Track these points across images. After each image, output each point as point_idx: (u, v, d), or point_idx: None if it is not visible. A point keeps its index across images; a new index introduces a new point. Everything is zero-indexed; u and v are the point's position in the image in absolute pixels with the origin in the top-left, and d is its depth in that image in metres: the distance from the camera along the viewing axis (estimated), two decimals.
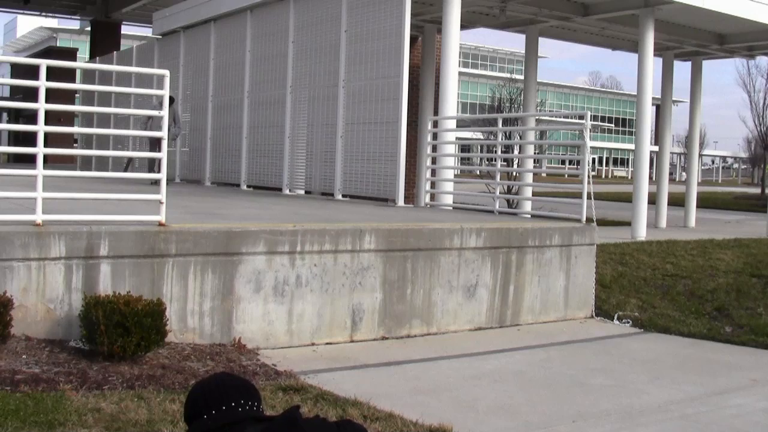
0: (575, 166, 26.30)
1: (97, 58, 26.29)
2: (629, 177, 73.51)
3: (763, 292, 9.88)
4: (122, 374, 5.44)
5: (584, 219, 9.32)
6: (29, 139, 7.65)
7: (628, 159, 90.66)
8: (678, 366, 7.23)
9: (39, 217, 6.18)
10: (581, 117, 10.09)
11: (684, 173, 38.53)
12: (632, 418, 5.52)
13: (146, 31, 32.88)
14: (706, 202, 28.28)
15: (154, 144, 13.36)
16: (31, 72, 12.57)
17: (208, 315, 6.72)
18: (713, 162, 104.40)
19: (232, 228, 6.89)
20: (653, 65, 15.87)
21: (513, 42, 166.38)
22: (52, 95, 6.30)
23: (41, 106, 6.28)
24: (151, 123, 13.85)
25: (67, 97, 28.11)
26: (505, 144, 15.87)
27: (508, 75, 25.43)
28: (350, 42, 12.37)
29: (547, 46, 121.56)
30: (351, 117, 12.34)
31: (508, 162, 17.94)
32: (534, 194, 17.30)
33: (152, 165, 14.17)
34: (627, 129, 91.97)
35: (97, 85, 19.47)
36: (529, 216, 10.94)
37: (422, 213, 10.64)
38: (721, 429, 5.38)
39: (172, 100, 14.01)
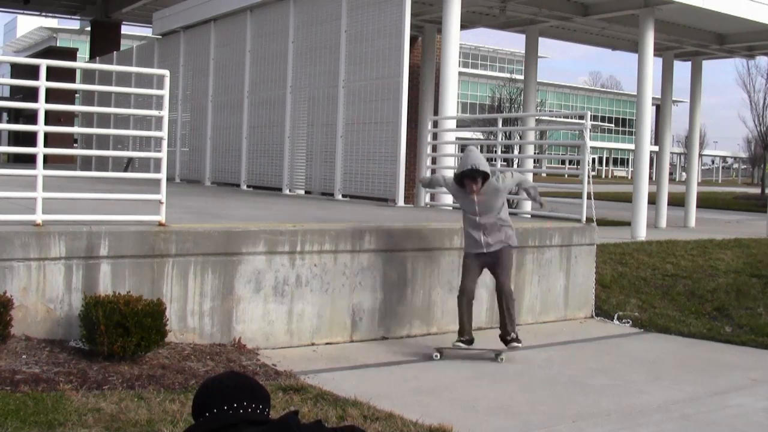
0: (575, 166, 26.30)
1: (97, 58, 26.27)
2: (629, 177, 73.47)
3: (763, 292, 9.88)
4: (122, 374, 5.44)
5: (584, 219, 9.32)
6: (29, 139, 7.64)
7: (628, 159, 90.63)
8: (678, 366, 7.23)
9: (39, 217, 6.18)
10: (581, 117, 10.09)
11: (684, 173, 38.52)
12: (632, 418, 5.52)
13: (146, 31, 32.85)
14: (706, 202, 28.25)
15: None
16: (31, 72, 12.58)
17: (208, 315, 6.72)
18: (713, 162, 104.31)
19: (232, 228, 6.89)
20: (653, 65, 15.86)
21: (513, 42, 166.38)
22: (52, 95, 6.30)
23: (41, 106, 6.28)
24: None
25: (67, 97, 28.10)
26: (505, 144, 15.86)
27: (508, 75, 25.43)
28: (350, 42, 12.37)
29: (547, 46, 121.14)
30: (351, 117, 12.35)
31: (508, 162, 17.93)
32: None
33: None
34: (627, 129, 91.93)
35: (97, 85, 19.45)
36: (529, 216, 10.94)
37: (422, 213, 10.63)
38: (721, 429, 5.38)
39: None
